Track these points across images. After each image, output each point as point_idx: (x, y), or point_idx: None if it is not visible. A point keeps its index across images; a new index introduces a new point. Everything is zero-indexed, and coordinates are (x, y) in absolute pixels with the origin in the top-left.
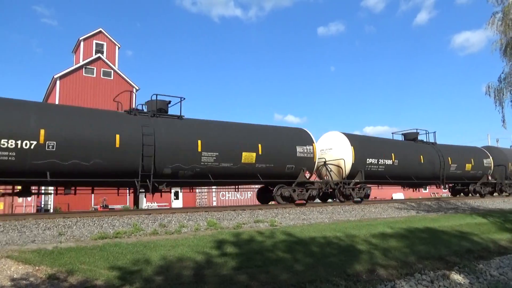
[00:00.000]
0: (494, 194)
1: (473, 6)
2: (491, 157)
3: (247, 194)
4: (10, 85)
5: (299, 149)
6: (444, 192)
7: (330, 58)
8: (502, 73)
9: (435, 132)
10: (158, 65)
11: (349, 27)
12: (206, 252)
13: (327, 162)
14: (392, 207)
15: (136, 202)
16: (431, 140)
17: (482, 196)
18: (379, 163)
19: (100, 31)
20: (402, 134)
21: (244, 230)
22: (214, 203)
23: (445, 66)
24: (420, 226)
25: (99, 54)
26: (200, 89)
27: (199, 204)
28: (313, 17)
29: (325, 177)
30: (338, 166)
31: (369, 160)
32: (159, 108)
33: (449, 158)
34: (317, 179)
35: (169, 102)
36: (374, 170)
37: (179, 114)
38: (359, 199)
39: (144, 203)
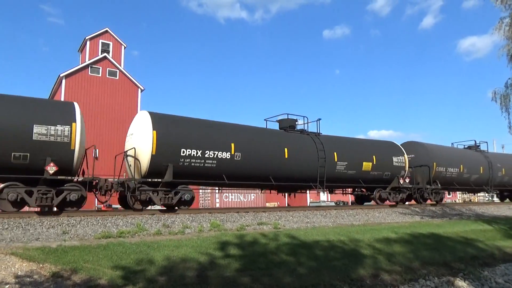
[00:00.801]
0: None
1: (479, 11)
2: (405, 155)
3: (251, 196)
4: (16, 83)
5: (39, 129)
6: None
7: (335, 61)
8: (509, 79)
9: (319, 119)
10: (164, 66)
11: (354, 30)
12: (210, 253)
13: (128, 153)
14: (396, 212)
15: None
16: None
17: (394, 205)
18: (207, 156)
19: (107, 31)
20: (277, 121)
21: (247, 232)
22: (217, 205)
23: (451, 71)
24: (424, 232)
25: (105, 54)
26: (204, 90)
27: (202, 206)
28: (319, 20)
29: (124, 174)
30: (136, 159)
31: (186, 152)
32: None
33: (334, 154)
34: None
35: None
36: (198, 165)
37: None
38: (175, 207)
39: None
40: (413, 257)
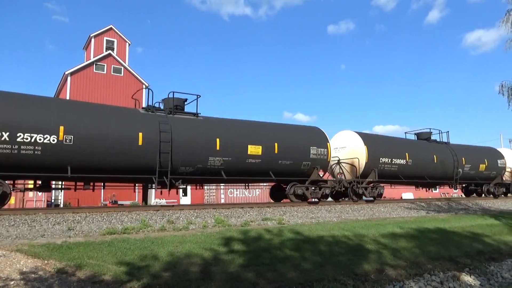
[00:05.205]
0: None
1: (486, 4)
2: (329, 144)
3: (255, 191)
4: (23, 81)
5: None
6: None
7: (340, 56)
8: None
9: (198, 96)
10: (168, 63)
11: (359, 25)
12: (214, 249)
13: None
14: (401, 207)
15: (145, 198)
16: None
17: (317, 201)
18: (20, 140)
19: (111, 28)
20: (162, 100)
21: (252, 227)
22: (222, 201)
23: (457, 65)
24: (430, 227)
25: (109, 51)
26: (209, 86)
27: (207, 201)
28: (324, 15)
29: None
30: None
31: None
32: None
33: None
34: None
35: None
36: (7, 153)
37: None
38: None
39: (153, 200)
40: (418, 252)
